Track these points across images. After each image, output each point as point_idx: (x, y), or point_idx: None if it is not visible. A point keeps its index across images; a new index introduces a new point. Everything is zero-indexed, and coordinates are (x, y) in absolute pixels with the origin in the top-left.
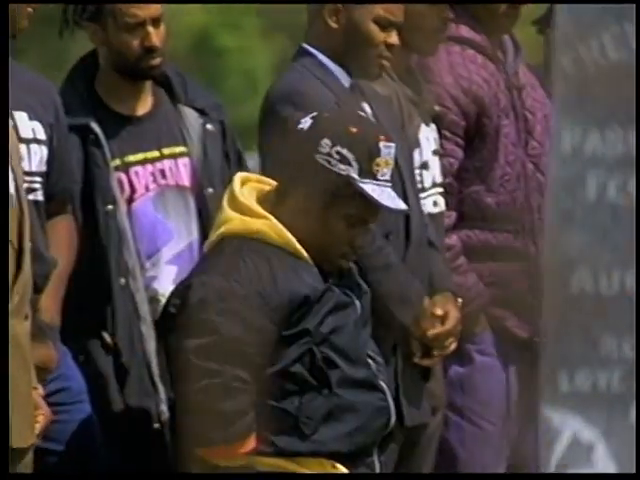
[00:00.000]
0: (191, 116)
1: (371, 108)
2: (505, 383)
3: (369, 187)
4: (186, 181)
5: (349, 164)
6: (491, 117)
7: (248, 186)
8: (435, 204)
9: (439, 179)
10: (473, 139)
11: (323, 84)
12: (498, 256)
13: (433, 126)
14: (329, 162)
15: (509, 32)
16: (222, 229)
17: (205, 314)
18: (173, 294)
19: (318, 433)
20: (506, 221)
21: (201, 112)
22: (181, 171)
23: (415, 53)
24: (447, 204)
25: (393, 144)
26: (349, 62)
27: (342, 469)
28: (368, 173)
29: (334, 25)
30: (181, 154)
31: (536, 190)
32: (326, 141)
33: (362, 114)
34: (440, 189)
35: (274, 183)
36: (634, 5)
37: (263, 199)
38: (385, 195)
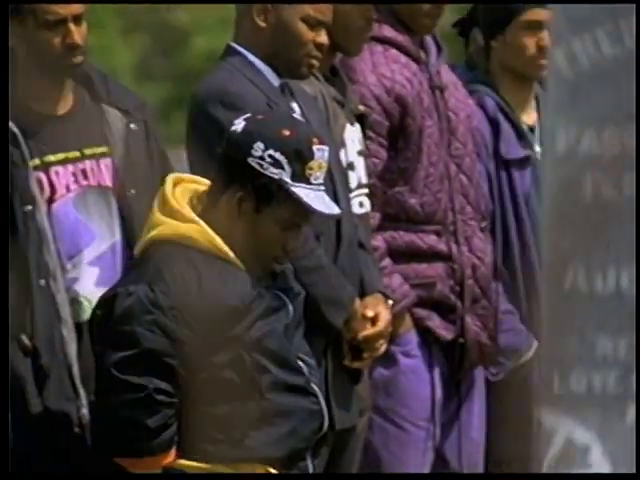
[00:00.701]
0: (114, 116)
1: (300, 108)
2: (430, 385)
3: (302, 191)
4: (108, 182)
5: (282, 168)
6: (415, 117)
7: (181, 187)
8: (361, 205)
9: (364, 180)
10: (397, 139)
11: (253, 84)
12: (422, 257)
13: (358, 126)
14: (262, 166)
15: (431, 32)
16: (152, 233)
17: (129, 326)
18: (100, 301)
19: (250, 438)
20: (430, 222)
21: (125, 112)
22: (103, 171)
23: (340, 53)
24: (372, 205)
25: (327, 147)
26: (278, 62)
27: (274, 473)
28: (301, 177)
29: (263, 24)
30: (103, 154)
31: (459, 191)
32: (259, 144)
33: (296, 116)
34: (365, 190)
35: (209, 183)
36: (634, 5)
37: (196, 200)
38: (318, 199)
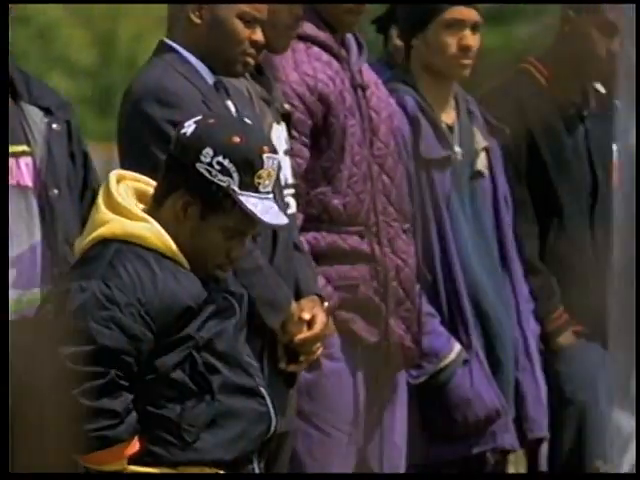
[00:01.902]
0: (35, 115)
1: (235, 106)
2: (353, 388)
3: (250, 201)
4: (28, 181)
5: (230, 176)
6: (337, 116)
7: (124, 184)
8: (287, 205)
9: (291, 180)
10: (320, 139)
11: (188, 81)
12: (346, 259)
13: (283, 125)
14: (210, 172)
15: (353, 30)
16: (100, 231)
17: (84, 322)
18: (47, 298)
19: (200, 441)
20: (353, 223)
21: (46, 111)
22: (23, 171)
23: (267, 50)
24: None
25: (277, 155)
26: (213, 59)
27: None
28: (249, 186)
29: (198, 21)
30: (23, 153)
31: (382, 192)
32: (208, 150)
33: (247, 122)
34: (292, 190)
35: (151, 182)
36: (634, 5)
37: (140, 199)
38: (266, 208)
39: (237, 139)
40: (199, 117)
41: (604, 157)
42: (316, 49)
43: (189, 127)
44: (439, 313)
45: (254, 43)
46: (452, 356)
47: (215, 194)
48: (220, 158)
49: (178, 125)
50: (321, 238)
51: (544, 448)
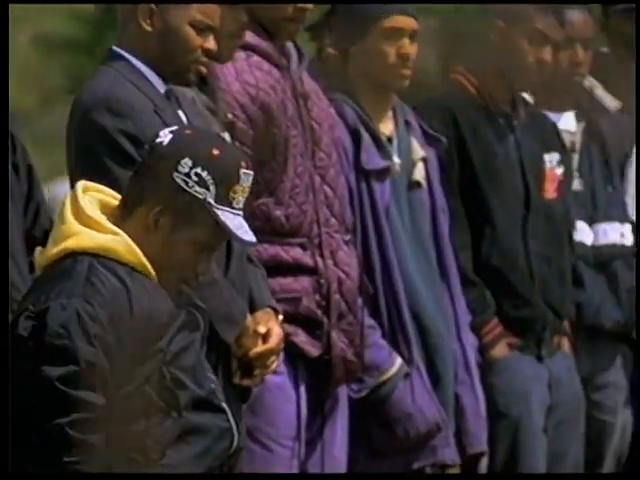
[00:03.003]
0: None
1: (186, 116)
2: (296, 402)
3: (225, 215)
4: None
5: (207, 188)
6: (280, 126)
7: (88, 196)
8: None
9: None
10: (262, 149)
11: (138, 89)
12: (288, 271)
13: (227, 135)
14: (187, 183)
15: (293, 38)
16: (68, 243)
17: (67, 340)
18: (22, 315)
19: (166, 457)
20: (296, 234)
21: None
22: None
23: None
24: None
25: (252, 172)
26: (164, 67)
27: None
28: (224, 200)
29: (148, 28)
30: None
31: (324, 203)
32: (187, 161)
33: (223, 136)
34: None
35: (114, 194)
36: (634, 5)
37: (105, 211)
38: (239, 224)
39: (217, 152)
40: (174, 127)
41: (535, 167)
42: (256, 58)
43: (165, 137)
44: (380, 326)
45: (206, 51)
46: (393, 370)
47: (189, 206)
48: (199, 170)
49: (130, 136)
50: (263, 250)
51: (483, 462)
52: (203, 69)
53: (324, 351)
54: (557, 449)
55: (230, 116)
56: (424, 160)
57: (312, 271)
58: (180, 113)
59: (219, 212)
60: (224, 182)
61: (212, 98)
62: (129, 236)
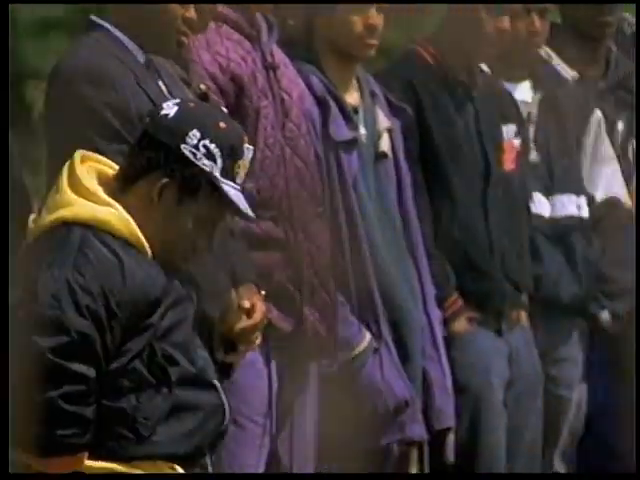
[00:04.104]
0: None
1: (166, 87)
2: (267, 378)
3: (229, 189)
4: None
5: (214, 161)
6: (251, 97)
7: (87, 165)
8: None
9: None
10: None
11: (119, 60)
12: (259, 245)
13: None
14: (195, 155)
15: (265, 9)
16: (61, 213)
17: (59, 311)
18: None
19: (156, 434)
20: (267, 207)
21: None
22: None
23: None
24: None
25: (252, 147)
26: (144, 37)
27: (180, 470)
28: (229, 174)
29: None
30: None
31: (294, 175)
32: (195, 132)
33: (224, 110)
34: None
35: (113, 165)
36: (634, 5)
37: (103, 182)
38: (239, 199)
39: (223, 125)
40: (178, 100)
41: (493, 138)
42: (227, 29)
43: (170, 109)
44: (348, 301)
45: (187, 21)
46: (363, 345)
47: (196, 178)
48: (207, 141)
49: (113, 107)
50: (234, 223)
51: (450, 438)
52: (184, 39)
53: (296, 326)
54: (516, 423)
55: (203, 87)
56: (389, 131)
57: (284, 245)
58: (160, 84)
59: (224, 186)
60: (231, 156)
61: (185, 68)
62: (128, 209)
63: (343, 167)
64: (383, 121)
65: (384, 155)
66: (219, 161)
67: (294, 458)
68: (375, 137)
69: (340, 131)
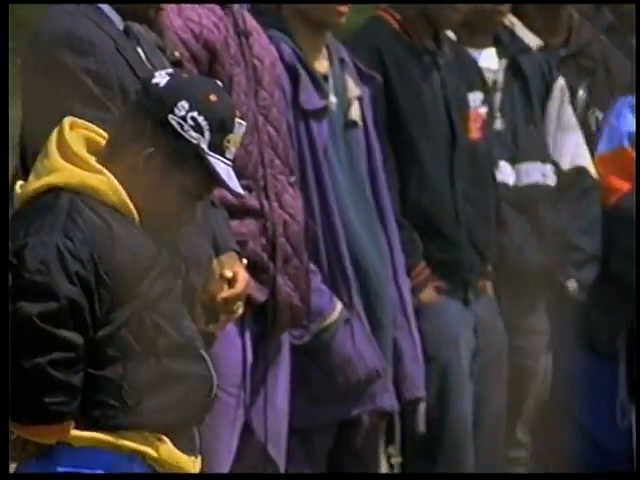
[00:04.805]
0: None
1: (145, 54)
2: (241, 349)
3: (216, 163)
4: None
5: (202, 133)
6: (223, 64)
7: (75, 132)
8: None
9: None
10: None
11: (99, 27)
12: (234, 213)
13: None
14: (182, 126)
15: None
16: (50, 178)
17: (48, 276)
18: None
19: (143, 404)
20: (241, 176)
21: None
22: None
23: None
24: None
25: (245, 122)
26: (122, 3)
27: (167, 441)
28: (217, 148)
29: None
30: None
31: (268, 144)
32: (183, 103)
33: (217, 82)
34: None
35: (102, 132)
36: (634, 5)
37: (91, 150)
38: (228, 174)
39: (214, 98)
40: (171, 70)
41: (460, 106)
42: None
43: (162, 78)
44: (320, 270)
45: None
46: (335, 315)
47: (182, 150)
48: (195, 114)
49: (93, 75)
50: None
51: (421, 408)
52: (163, 5)
53: (270, 296)
54: (482, 394)
55: (177, 54)
56: (359, 99)
57: (258, 214)
58: (139, 51)
59: (211, 159)
60: (219, 130)
61: (160, 35)
62: (115, 176)
63: (313, 136)
64: (353, 89)
65: (354, 123)
66: (207, 134)
67: (268, 430)
68: (345, 105)
69: (310, 100)
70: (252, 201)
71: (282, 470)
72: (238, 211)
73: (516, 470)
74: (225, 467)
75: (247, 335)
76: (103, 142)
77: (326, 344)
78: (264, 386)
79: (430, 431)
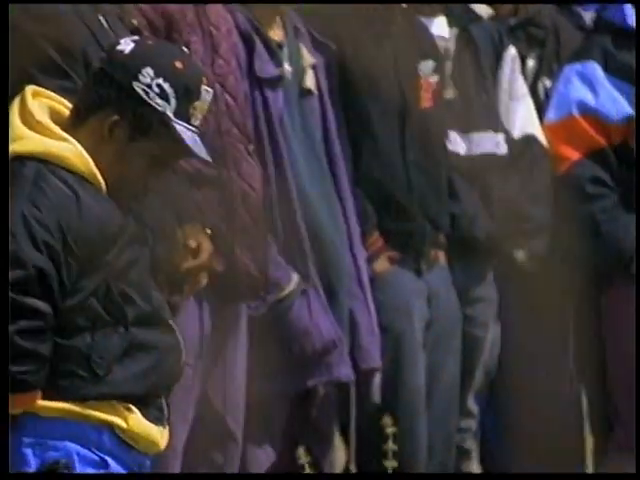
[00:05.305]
0: None
1: (107, 22)
2: (199, 320)
3: (182, 130)
4: None
5: (167, 100)
6: (180, 32)
7: (38, 101)
8: None
9: None
10: None
11: None
12: (192, 184)
13: None
14: (147, 94)
15: None
16: (14, 147)
17: (15, 245)
18: None
19: (112, 374)
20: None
21: None
22: None
23: None
24: None
25: (212, 90)
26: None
27: (136, 412)
28: (183, 115)
29: None
30: None
31: (225, 113)
32: (148, 70)
33: (185, 50)
34: None
35: (65, 102)
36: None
37: (54, 119)
38: (195, 141)
39: (179, 64)
40: (136, 37)
41: (411, 75)
42: None
43: (127, 45)
44: (276, 241)
45: None
46: (291, 286)
47: (148, 117)
48: (160, 80)
49: (54, 42)
50: None
51: (377, 378)
52: None
53: (228, 267)
54: (434, 364)
55: (135, 22)
56: (314, 67)
57: (216, 183)
58: (101, 18)
59: (177, 126)
60: (185, 96)
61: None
62: (81, 145)
63: (269, 104)
64: (307, 57)
65: (309, 91)
66: (173, 101)
67: (227, 401)
68: (300, 73)
69: (265, 68)
70: (210, 170)
71: (239, 441)
72: (197, 181)
73: (466, 441)
74: (181, 437)
75: (205, 306)
76: (66, 111)
77: (283, 315)
78: (222, 357)
79: (384, 401)
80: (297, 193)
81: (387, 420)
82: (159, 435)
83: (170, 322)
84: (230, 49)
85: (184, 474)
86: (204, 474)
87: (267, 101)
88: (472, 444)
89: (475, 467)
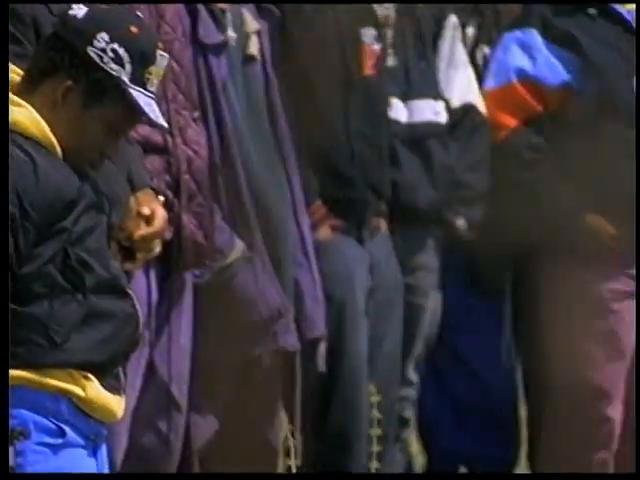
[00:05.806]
0: None
1: None
2: (146, 288)
3: (138, 95)
4: None
5: (122, 66)
6: None
7: None
8: None
9: None
10: None
11: None
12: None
13: None
14: (101, 58)
15: None
16: None
17: None
18: None
19: (69, 342)
20: (142, 111)
21: None
22: None
23: None
24: None
25: (167, 55)
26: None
27: (94, 380)
28: (139, 80)
29: None
30: None
31: (170, 79)
32: (103, 35)
33: (139, 14)
34: None
35: (16, 69)
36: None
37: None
38: (150, 107)
39: (135, 29)
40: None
41: (353, 42)
42: None
43: (80, 10)
44: (220, 208)
45: None
46: (235, 253)
47: (102, 82)
48: (115, 45)
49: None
50: None
51: (322, 347)
52: None
53: (174, 234)
54: (376, 332)
55: None
56: (258, 33)
57: (161, 150)
58: None
59: (132, 92)
60: (141, 61)
61: None
62: (35, 110)
63: (212, 70)
64: (251, 23)
65: (252, 58)
66: (128, 66)
67: (172, 370)
68: (243, 40)
69: (209, 34)
70: (155, 137)
71: (184, 410)
72: (143, 147)
73: (405, 410)
74: (129, 406)
75: (151, 274)
76: (18, 77)
77: (227, 283)
78: (168, 325)
79: (327, 370)
80: (240, 160)
81: (330, 388)
82: (116, 404)
83: (128, 290)
84: (175, 15)
85: (184, 474)
86: (204, 474)
87: (211, 67)
88: (411, 413)
89: (414, 436)
